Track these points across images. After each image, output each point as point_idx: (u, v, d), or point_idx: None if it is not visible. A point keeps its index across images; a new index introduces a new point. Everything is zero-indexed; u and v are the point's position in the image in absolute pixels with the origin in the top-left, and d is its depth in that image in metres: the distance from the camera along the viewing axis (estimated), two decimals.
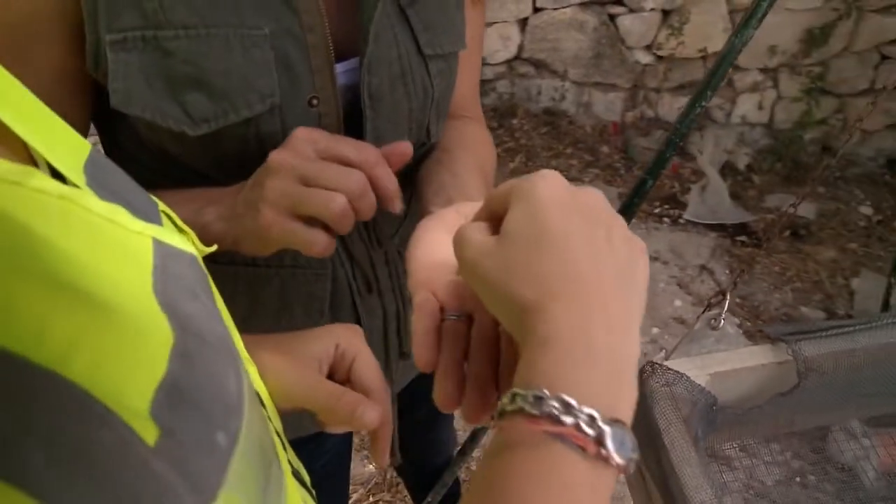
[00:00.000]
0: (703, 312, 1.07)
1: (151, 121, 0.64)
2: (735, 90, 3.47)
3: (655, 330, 2.54)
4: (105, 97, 0.68)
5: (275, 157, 0.62)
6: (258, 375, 0.56)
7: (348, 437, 1.16)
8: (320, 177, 0.62)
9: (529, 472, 0.35)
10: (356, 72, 0.72)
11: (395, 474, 1.97)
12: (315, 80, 0.68)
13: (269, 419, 0.51)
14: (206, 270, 0.38)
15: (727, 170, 3.37)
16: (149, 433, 0.27)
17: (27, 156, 0.30)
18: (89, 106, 0.70)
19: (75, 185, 0.30)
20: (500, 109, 3.57)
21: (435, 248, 0.55)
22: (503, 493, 0.35)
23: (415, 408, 1.08)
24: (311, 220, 0.63)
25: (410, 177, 0.83)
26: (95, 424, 0.25)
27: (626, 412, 0.37)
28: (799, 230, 3.04)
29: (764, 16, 1.05)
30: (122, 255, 0.28)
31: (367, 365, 0.63)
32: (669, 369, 0.92)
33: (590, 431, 0.35)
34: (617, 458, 0.35)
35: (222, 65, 0.64)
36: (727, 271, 2.83)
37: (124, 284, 0.27)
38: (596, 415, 0.35)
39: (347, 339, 0.63)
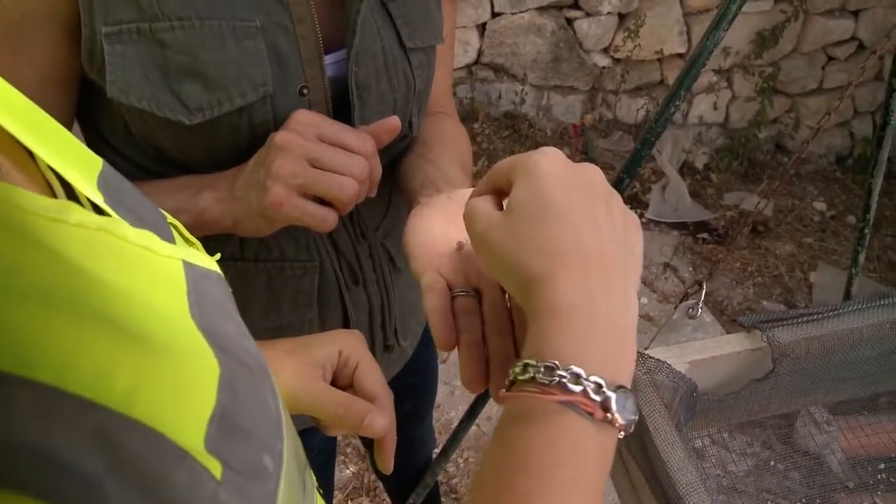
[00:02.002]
0: (679, 302, 1.10)
1: (148, 111, 0.65)
2: (691, 91, 3.53)
3: None
4: (90, 92, 0.69)
5: (280, 137, 0.65)
6: None
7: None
8: (330, 161, 0.65)
9: (541, 437, 0.37)
10: (342, 64, 0.74)
11: (373, 478, 1.97)
12: (305, 69, 0.70)
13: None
14: (229, 288, 0.38)
15: (686, 169, 3.44)
16: (214, 467, 0.26)
17: (40, 176, 0.30)
18: (76, 100, 0.71)
19: (95, 204, 0.29)
20: (461, 114, 3.58)
21: (433, 231, 0.58)
22: (518, 459, 0.37)
23: (398, 403, 1.09)
24: (314, 199, 0.65)
25: (391, 170, 0.85)
26: (172, 463, 0.24)
27: (628, 377, 0.40)
28: (758, 226, 3.12)
29: (734, 18, 1.08)
30: (159, 282, 0.28)
31: (371, 371, 0.63)
32: (651, 357, 0.94)
33: (596, 398, 0.37)
34: (621, 421, 0.38)
35: (217, 55, 0.65)
36: (690, 268, 2.89)
37: (168, 316, 0.27)
38: (602, 382, 0.38)
39: (350, 346, 0.63)
